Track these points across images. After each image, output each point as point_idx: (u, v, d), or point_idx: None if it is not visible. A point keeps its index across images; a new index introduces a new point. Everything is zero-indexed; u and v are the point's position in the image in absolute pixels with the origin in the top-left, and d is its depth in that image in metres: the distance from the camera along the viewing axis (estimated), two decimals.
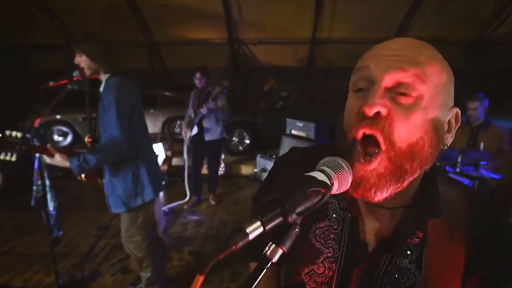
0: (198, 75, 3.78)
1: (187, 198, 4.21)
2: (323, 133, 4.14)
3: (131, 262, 2.85)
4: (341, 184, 0.47)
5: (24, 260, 2.87)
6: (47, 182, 1.95)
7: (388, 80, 0.50)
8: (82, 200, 4.31)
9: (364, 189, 0.51)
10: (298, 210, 0.41)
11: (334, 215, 0.64)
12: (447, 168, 2.71)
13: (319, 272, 0.62)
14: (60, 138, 6.40)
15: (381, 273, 0.57)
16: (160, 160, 5.43)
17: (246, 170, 5.50)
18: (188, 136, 3.92)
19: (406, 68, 0.50)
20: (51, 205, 1.97)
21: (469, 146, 3.12)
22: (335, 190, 0.47)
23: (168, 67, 9.58)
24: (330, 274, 0.61)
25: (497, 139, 2.98)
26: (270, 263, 0.41)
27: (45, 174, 1.94)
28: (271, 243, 0.42)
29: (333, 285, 0.61)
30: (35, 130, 1.90)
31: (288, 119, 4.65)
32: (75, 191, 4.67)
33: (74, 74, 2.01)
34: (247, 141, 6.32)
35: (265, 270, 0.40)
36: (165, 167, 5.06)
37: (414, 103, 0.50)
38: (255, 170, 5.23)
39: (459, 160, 2.69)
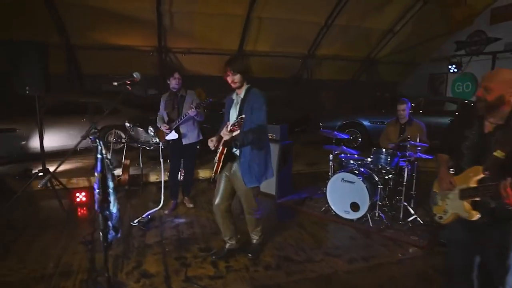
0: (177, 75, 3.88)
1: (161, 204, 4.18)
2: (285, 134, 4.72)
3: (148, 266, 2.84)
4: None
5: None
6: (111, 184, 1.94)
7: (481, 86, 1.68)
8: (34, 219, 3.83)
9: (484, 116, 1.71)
10: None
11: (475, 126, 1.76)
12: (398, 153, 3.68)
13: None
14: None
15: (491, 139, 1.68)
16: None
17: (203, 173, 5.68)
18: (167, 128, 3.89)
19: (486, 84, 1.65)
20: (114, 208, 1.97)
21: (399, 138, 4.21)
22: None
23: (84, 73, 8.74)
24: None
25: (418, 132, 4.12)
26: None
27: (109, 176, 1.93)
28: None
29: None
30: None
31: None
32: (18, 212, 4.06)
33: (135, 75, 2.08)
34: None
35: None
36: (125, 176, 4.82)
37: (489, 94, 1.63)
38: None
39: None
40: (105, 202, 1.93)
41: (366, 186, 3.62)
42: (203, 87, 10.07)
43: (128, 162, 4.95)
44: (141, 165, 5.19)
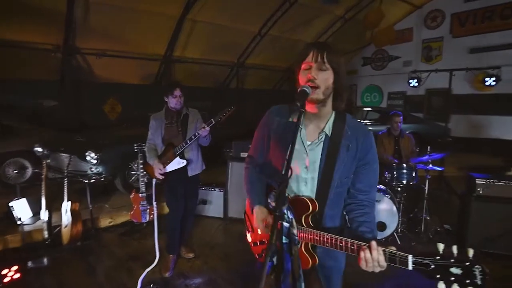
0: (178, 92, 2.87)
1: (157, 260, 3.05)
2: None
3: None
4: None
5: None
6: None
7: None
8: None
9: None
10: None
11: None
12: (417, 166, 3.70)
13: None
14: None
15: None
16: (25, 219, 3.65)
17: None
18: (161, 173, 2.87)
19: None
20: None
21: (395, 150, 4.29)
22: None
23: None
24: None
25: (410, 143, 4.30)
26: None
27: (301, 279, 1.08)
28: None
29: None
30: None
31: (234, 143, 4.37)
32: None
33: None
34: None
35: None
36: (78, 228, 3.34)
37: None
38: None
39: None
40: None
41: (394, 204, 3.49)
42: (117, 97, 8.44)
43: (77, 206, 3.46)
44: (90, 207, 3.76)
